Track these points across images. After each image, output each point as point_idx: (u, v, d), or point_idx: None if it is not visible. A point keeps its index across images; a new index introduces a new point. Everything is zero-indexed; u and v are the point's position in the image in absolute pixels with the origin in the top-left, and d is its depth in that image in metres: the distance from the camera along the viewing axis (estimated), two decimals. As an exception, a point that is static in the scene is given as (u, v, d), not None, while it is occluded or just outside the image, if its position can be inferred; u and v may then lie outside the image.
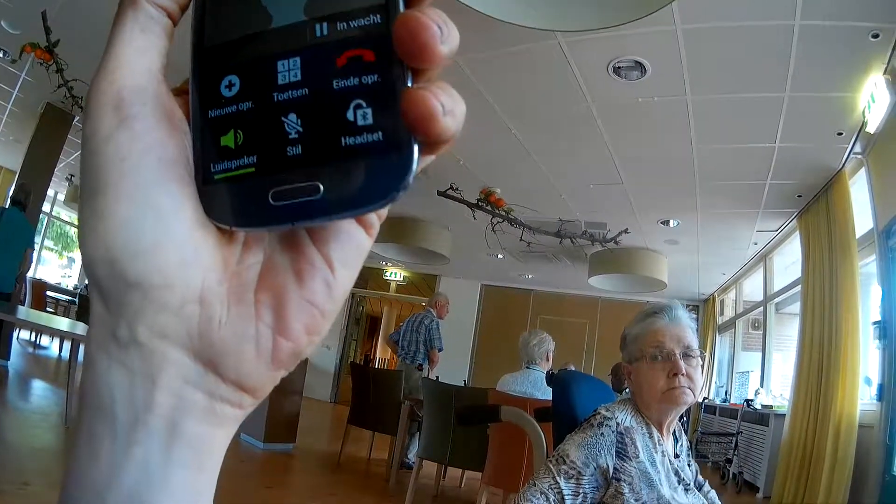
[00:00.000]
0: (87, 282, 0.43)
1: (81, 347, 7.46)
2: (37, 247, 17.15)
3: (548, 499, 2.18)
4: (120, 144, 0.39)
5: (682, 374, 2.34)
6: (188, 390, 0.41)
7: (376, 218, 0.44)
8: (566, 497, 2.18)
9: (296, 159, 0.39)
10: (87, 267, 0.40)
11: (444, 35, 0.37)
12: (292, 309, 0.42)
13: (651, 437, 2.37)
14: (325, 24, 0.39)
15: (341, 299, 0.44)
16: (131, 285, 0.39)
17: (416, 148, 0.37)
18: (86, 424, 0.41)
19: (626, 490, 2.19)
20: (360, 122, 0.38)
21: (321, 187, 0.38)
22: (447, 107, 0.37)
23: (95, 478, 0.40)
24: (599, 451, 2.24)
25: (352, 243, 0.43)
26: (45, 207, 16.28)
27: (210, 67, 0.42)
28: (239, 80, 0.41)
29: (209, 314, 0.40)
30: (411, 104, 0.36)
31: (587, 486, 2.21)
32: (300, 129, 0.39)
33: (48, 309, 14.89)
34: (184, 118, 0.42)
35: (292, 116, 0.39)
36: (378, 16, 0.38)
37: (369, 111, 0.38)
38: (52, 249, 21.89)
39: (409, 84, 0.37)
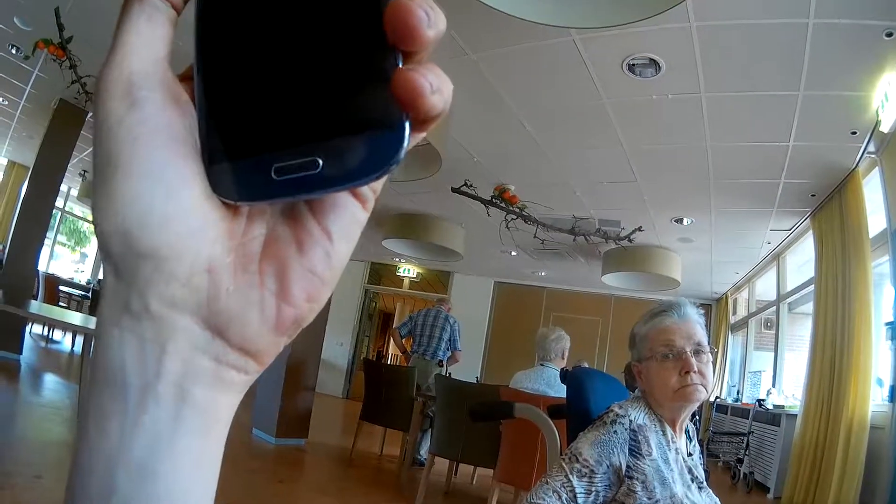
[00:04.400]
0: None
1: (94, 342, 7.47)
2: (49, 241, 17.20)
3: (560, 497, 2.18)
4: (131, 126, 0.41)
5: (694, 372, 2.34)
6: (196, 356, 0.43)
7: (371, 193, 0.46)
8: (578, 495, 2.18)
9: (295, 136, 0.41)
10: (101, 241, 0.42)
11: (430, 20, 0.39)
12: (294, 277, 0.44)
13: (664, 434, 2.37)
14: (321, 10, 0.41)
15: (339, 268, 0.46)
16: (143, 256, 0.41)
17: (407, 124, 0.40)
18: (96, 398, 0.42)
19: (639, 488, 2.19)
20: (356, 100, 0.40)
21: (320, 162, 0.40)
22: (434, 85, 0.39)
23: (105, 449, 0.41)
24: (612, 449, 2.24)
25: (348, 216, 0.46)
26: (59, 203, 16.38)
27: (212, 50, 0.44)
28: (239, 62, 0.43)
29: (216, 283, 0.43)
30: (401, 83, 0.39)
31: (600, 485, 2.21)
32: (299, 108, 0.41)
33: (61, 303, 14.94)
34: (189, 101, 0.44)
35: (291, 95, 0.41)
36: (371, 2, 0.40)
37: (364, 90, 0.40)
38: (64, 245, 22.01)
39: (400, 65, 0.39)
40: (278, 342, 0.46)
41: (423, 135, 0.43)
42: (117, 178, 0.41)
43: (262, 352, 0.45)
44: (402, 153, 0.40)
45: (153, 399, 0.41)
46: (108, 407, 0.42)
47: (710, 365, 2.42)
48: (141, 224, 0.41)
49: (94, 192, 0.42)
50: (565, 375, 3.12)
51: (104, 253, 0.42)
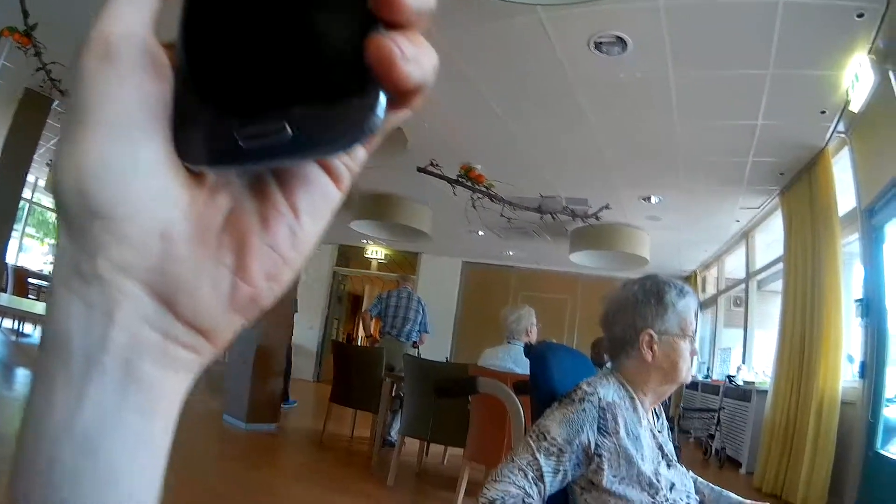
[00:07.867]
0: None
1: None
2: (17, 234, 17.15)
3: (526, 476, 2.16)
4: (105, 81, 0.40)
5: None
6: (144, 329, 0.41)
7: (346, 170, 0.46)
8: (545, 474, 2.17)
9: (265, 101, 0.40)
10: (57, 196, 0.41)
11: None
12: (254, 252, 0.43)
13: (635, 411, 2.36)
14: None
15: (306, 249, 0.45)
16: (96, 214, 0.40)
17: (381, 93, 0.38)
18: (43, 365, 0.42)
19: (606, 465, 2.18)
20: (330, 67, 0.39)
21: (289, 129, 0.39)
22: (409, 53, 0.38)
23: (50, 423, 0.40)
24: (582, 427, 2.22)
25: (319, 192, 0.45)
26: (26, 194, 16.27)
27: (194, 10, 0.42)
28: (217, 24, 0.41)
29: (170, 250, 0.42)
30: (372, 49, 0.37)
31: (568, 464, 2.19)
32: (270, 72, 0.40)
33: (30, 296, 14.93)
34: (169, 66, 0.43)
35: (263, 59, 0.40)
36: None
37: (339, 57, 0.39)
38: (33, 237, 21.88)
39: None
40: (232, 321, 0.45)
41: (407, 112, 0.42)
42: (82, 130, 0.40)
43: (215, 330, 0.44)
44: (376, 124, 0.39)
45: (98, 370, 0.40)
46: (55, 374, 0.41)
47: None
48: (98, 180, 0.39)
49: (58, 143, 0.42)
50: (529, 350, 3.10)
51: (59, 209, 0.41)
